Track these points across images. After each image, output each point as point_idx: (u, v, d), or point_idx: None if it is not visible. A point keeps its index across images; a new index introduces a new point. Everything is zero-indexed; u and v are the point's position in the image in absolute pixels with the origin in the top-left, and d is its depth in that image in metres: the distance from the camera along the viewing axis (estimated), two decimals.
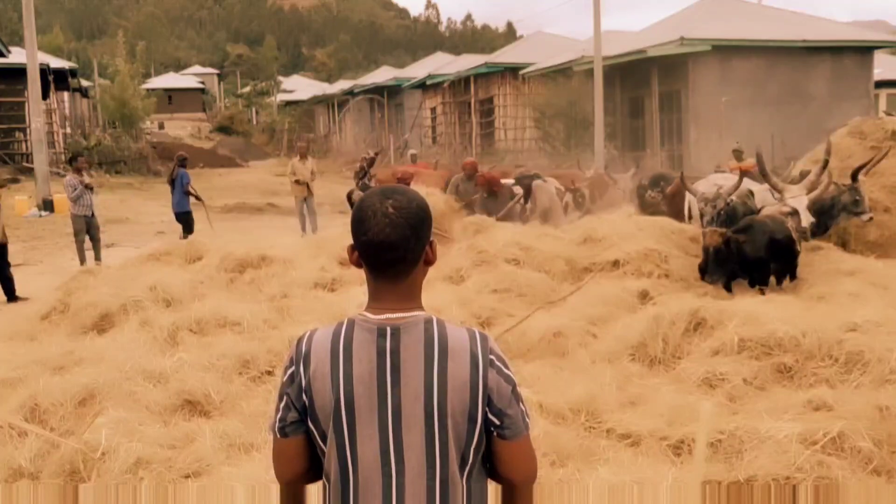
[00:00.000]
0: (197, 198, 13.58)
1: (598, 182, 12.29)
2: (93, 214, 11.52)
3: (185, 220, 13.35)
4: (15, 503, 3.40)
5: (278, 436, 1.82)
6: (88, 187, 11.37)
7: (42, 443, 4.10)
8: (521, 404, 1.78)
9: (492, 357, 1.75)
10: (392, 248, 1.73)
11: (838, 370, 4.73)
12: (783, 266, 7.97)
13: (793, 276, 8.07)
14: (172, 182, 13.47)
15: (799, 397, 4.41)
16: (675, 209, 10.05)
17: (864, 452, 3.73)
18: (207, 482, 3.72)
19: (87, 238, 11.45)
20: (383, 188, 1.82)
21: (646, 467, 3.75)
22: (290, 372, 1.79)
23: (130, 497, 3.35)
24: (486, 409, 1.75)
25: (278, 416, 1.81)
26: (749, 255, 7.71)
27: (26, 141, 26.29)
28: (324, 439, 1.78)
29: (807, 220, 7.85)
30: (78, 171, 11.65)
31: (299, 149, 15.80)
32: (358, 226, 1.76)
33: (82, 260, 11.24)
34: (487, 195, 11.03)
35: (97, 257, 11.41)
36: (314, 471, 1.85)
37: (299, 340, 1.82)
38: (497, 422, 1.76)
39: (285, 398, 1.79)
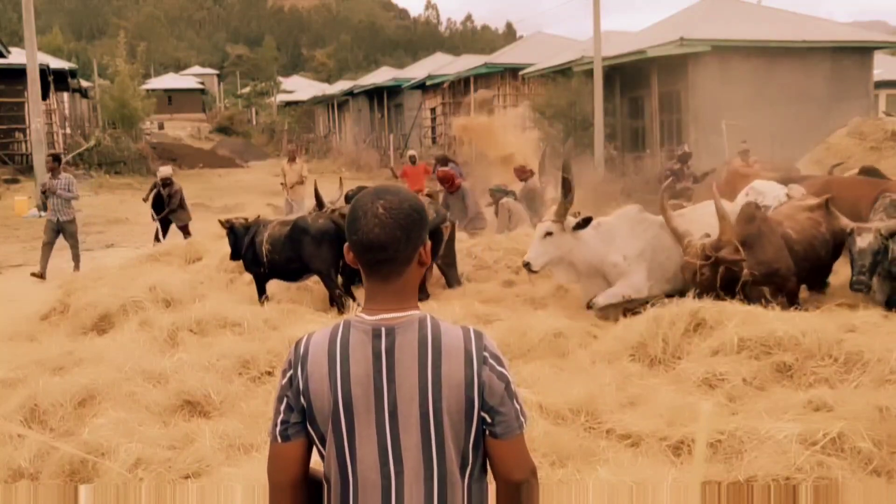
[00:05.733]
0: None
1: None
2: (73, 219, 10.71)
3: None
4: (15, 503, 3.40)
5: (279, 440, 1.79)
6: (44, 191, 10.59)
7: (42, 443, 4.10)
8: (515, 403, 1.76)
9: (485, 354, 1.73)
10: (381, 248, 1.72)
11: (838, 370, 4.73)
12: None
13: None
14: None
15: (799, 397, 4.40)
16: None
17: (863, 453, 3.72)
18: (207, 482, 3.71)
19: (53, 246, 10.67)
20: (377, 188, 1.80)
21: (646, 468, 3.74)
22: (288, 375, 1.78)
23: (130, 497, 3.35)
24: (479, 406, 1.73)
25: (279, 418, 1.79)
26: (271, 256, 7.25)
27: (26, 141, 26.23)
28: (322, 442, 1.77)
29: (537, 260, 6.73)
30: (51, 171, 10.81)
31: (288, 152, 15.79)
32: (350, 225, 1.76)
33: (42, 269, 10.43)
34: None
35: (76, 267, 10.61)
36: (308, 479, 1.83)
37: (297, 343, 1.81)
38: (488, 419, 1.74)
39: (285, 400, 1.78)
